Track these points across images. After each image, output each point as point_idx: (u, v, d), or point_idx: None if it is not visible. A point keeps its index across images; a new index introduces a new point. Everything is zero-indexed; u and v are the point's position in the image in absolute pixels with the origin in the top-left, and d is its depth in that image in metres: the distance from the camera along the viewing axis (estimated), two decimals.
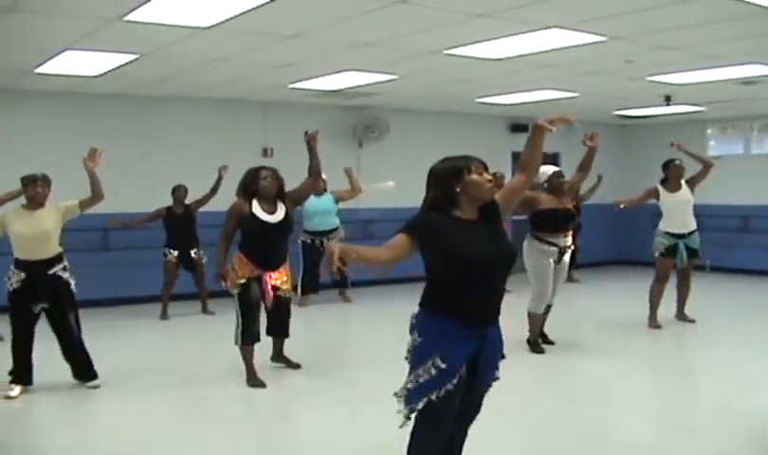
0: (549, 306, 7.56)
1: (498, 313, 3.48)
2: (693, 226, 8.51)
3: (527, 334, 7.57)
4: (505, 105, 12.05)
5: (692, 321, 8.73)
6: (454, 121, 13.27)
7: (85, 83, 9.38)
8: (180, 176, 10.18)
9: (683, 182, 8.52)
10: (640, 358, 7.58)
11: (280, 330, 6.76)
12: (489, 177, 3.46)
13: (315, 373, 6.83)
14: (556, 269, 7.42)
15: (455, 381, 3.30)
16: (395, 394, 3.43)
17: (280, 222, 6.39)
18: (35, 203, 6.10)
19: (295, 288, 10.32)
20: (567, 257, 7.51)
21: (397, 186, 12.72)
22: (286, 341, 6.91)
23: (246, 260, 6.37)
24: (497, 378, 3.60)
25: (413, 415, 3.37)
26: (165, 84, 9.74)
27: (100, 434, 5.36)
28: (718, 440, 4.96)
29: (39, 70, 8.44)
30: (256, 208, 6.35)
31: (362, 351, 7.93)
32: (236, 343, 6.42)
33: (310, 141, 6.71)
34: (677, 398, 6.18)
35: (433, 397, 3.27)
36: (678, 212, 8.42)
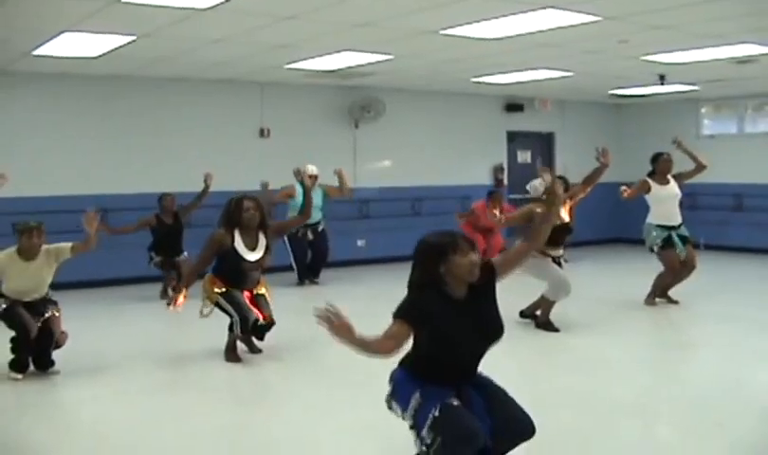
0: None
1: (475, 375, 3.53)
2: (680, 218, 8.56)
3: (524, 309, 7.78)
4: (501, 85, 12.09)
5: (676, 302, 8.72)
6: (450, 101, 13.32)
7: (83, 65, 9.40)
8: (177, 157, 10.26)
9: (670, 176, 8.56)
10: (636, 334, 7.67)
11: (260, 334, 6.63)
12: (474, 259, 3.40)
13: (294, 355, 6.86)
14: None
15: (445, 401, 3.32)
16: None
17: (260, 259, 6.51)
18: (30, 254, 6.06)
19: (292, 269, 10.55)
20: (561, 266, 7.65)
21: (393, 166, 12.85)
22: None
23: (218, 281, 6.47)
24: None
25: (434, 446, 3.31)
26: (163, 65, 9.76)
27: (84, 416, 5.42)
28: (714, 410, 5.10)
29: (37, 52, 8.45)
30: (238, 242, 6.40)
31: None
32: (233, 331, 6.51)
33: (303, 180, 6.97)
34: (674, 371, 6.32)
35: (438, 409, 3.29)
36: (668, 205, 8.42)
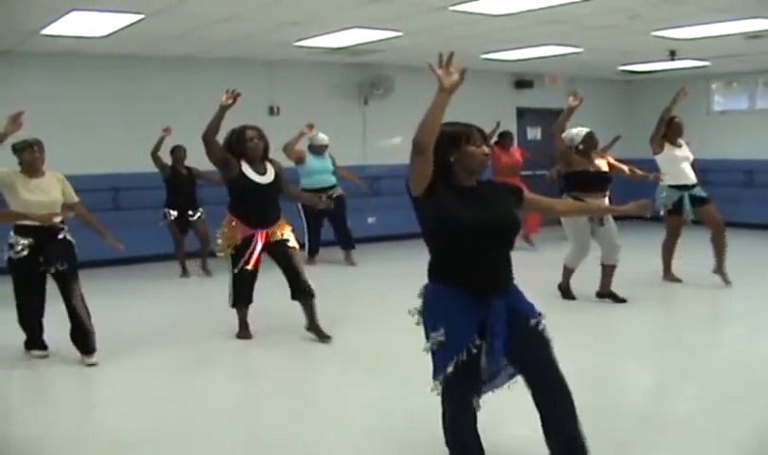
0: (614, 266, 7.62)
1: (503, 283, 3.38)
2: (694, 178, 8.47)
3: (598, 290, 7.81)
4: (511, 61, 12.04)
5: (729, 282, 8.32)
6: None
7: (91, 44, 9.40)
8: (186, 136, 10.18)
9: (682, 141, 8.46)
10: (651, 310, 7.66)
11: (300, 289, 6.42)
12: (486, 151, 3.39)
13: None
14: (604, 229, 7.52)
15: (464, 353, 3.24)
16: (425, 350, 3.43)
17: (272, 182, 6.31)
18: (34, 169, 5.89)
19: (302, 246, 10.53)
20: (611, 218, 7.56)
21: (402, 142, 12.83)
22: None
23: (238, 222, 6.30)
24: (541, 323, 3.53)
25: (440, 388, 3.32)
26: (171, 44, 9.76)
27: (104, 394, 5.49)
28: (729, 384, 5.13)
29: (45, 31, 8.46)
30: (247, 169, 6.21)
31: (366, 310, 7.68)
32: (230, 304, 6.57)
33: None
34: (689, 346, 6.34)
35: (448, 371, 3.23)
36: (680, 166, 8.37)
